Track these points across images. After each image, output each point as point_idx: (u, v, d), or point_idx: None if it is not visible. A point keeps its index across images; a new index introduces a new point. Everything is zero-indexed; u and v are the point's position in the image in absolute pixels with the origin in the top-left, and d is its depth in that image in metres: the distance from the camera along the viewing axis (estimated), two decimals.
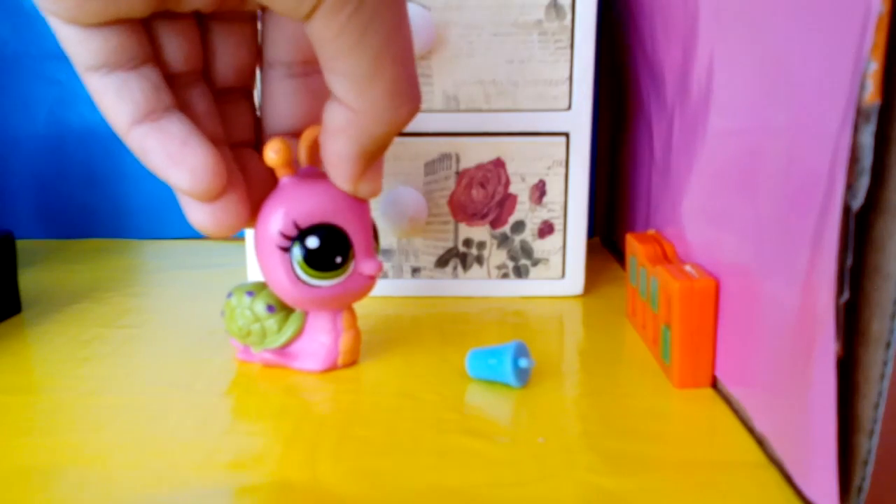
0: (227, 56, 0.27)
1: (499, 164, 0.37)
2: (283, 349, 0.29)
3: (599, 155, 0.51)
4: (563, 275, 0.38)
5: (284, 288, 0.27)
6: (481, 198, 0.37)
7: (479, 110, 0.37)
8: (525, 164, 0.37)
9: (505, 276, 0.38)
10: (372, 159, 0.25)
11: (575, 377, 0.29)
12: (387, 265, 0.38)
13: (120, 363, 0.30)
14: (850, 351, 0.18)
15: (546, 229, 0.37)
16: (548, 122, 0.37)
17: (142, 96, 0.24)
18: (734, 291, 0.25)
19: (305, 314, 0.29)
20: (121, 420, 0.26)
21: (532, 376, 0.29)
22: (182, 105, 0.26)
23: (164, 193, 0.52)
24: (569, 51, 0.36)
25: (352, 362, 0.30)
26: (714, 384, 0.28)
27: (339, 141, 0.24)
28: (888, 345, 0.17)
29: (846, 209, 0.18)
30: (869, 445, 0.18)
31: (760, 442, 0.24)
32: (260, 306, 0.29)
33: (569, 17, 0.36)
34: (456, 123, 0.37)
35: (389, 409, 0.26)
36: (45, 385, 0.29)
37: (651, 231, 0.35)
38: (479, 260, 0.38)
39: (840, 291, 0.18)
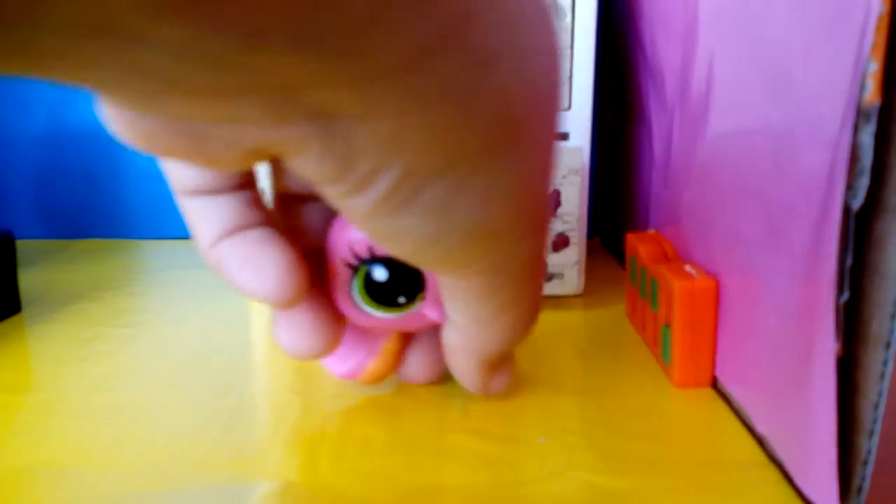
0: None
1: None
2: None
3: (599, 155, 0.51)
4: (578, 287, 0.37)
5: (335, 299, 0.24)
6: None
7: None
8: None
9: None
10: (498, 366, 0.24)
11: (575, 377, 0.29)
12: None
13: (120, 362, 0.30)
14: (850, 351, 0.18)
15: (560, 242, 0.35)
16: None
17: (229, 214, 0.23)
18: (734, 291, 0.25)
19: None
20: (121, 419, 0.26)
21: (532, 376, 0.29)
22: (292, 218, 0.24)
23: (165, 193, 0.52)
24: (569, 51, 0.36)
25: (375, 383, 0.27)
26: (714, 384, 0.28)
27: (459, 359, 0.23)
28: (888, 345, 0.17)
29: (846, 209, 0.18)
30: (869, 445, 0.18)
31: (760, 442, 0.24)
32: None
33: (569, 17, 0.36)
34: None
35: (389, 409, 0.26)
36: (45, 384, 0.29)
37: (651, 231, 0.35)
38: None
39: (840, 291, 0.18)
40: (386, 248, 0.18)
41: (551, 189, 0.21)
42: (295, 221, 0.25)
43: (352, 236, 0.23)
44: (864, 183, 0.17)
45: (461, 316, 0.21)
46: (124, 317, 0.36)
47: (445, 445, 0.24)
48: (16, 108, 0.52)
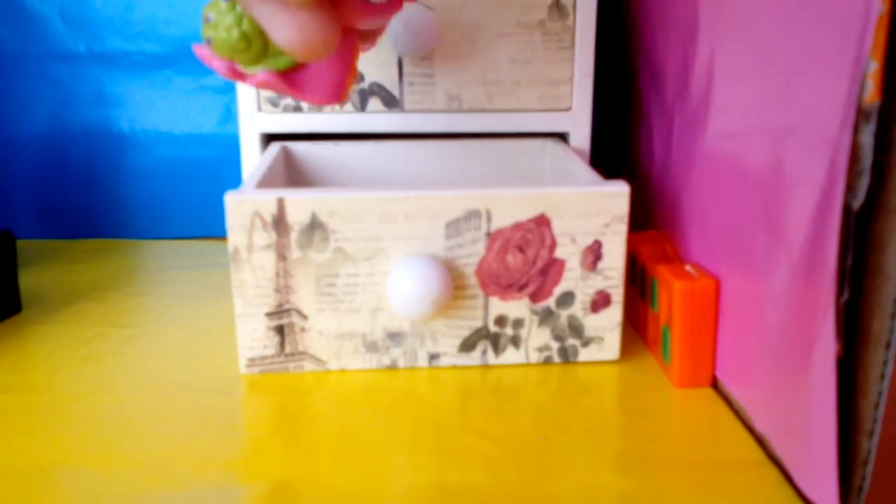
0: None
1: (542, 221, 0.28)
2: (288, 74, 0.24)
3: (599, 155, 0.51)
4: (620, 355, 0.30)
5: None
6: (519, 264, 0.29)
7: (482, 110, 0.37)
8: (576, 222, 0.29)
9: (548, 359, 0.30)
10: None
11: (575, 377, 0.29)
12: (397, 352, 0.29)
13: (120, 362, 0.30)
14: (850, 351, 0.18)
15: (601, 301, 0.30)
16: (548, 123, 0.37)
17: None
18: (734, 291, 0.25)
19: None
20: (121, 419, 0.26)
21: (532, 376, 0.29)
22: None
23: (165, 193, 0.52)
24: (570, 51, 0.36)
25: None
26: (714, 384, 0.28)
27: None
28: (888, 345, 0.17)
29: (846, 209, 0.18)
30: (869, 445, 0.18)
31: (760, 441, 0.24)
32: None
33: (571, 16, 0.36)
34: (458, 124, 0.37)
35: (390, 409, 0.26)
36: (45, 384, 0.29)
37: (651, 231, 0.35)
38: (516, 341, 0.30)
39: (840, 291, 0.18)
40: None
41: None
42: None
43: None
44: (864, 183, 0.17)
45: None
46: (124, 317, 0.36)
47: (445, 445, 0.24)
48: (16, 108, 0.52)
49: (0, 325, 0.35)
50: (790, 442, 0.21)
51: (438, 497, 0.21)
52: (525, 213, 0.28)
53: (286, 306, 0.28)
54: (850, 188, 0.17)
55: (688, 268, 0.28)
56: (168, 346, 0.32)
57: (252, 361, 0.29)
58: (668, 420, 0.25)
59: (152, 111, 0.49)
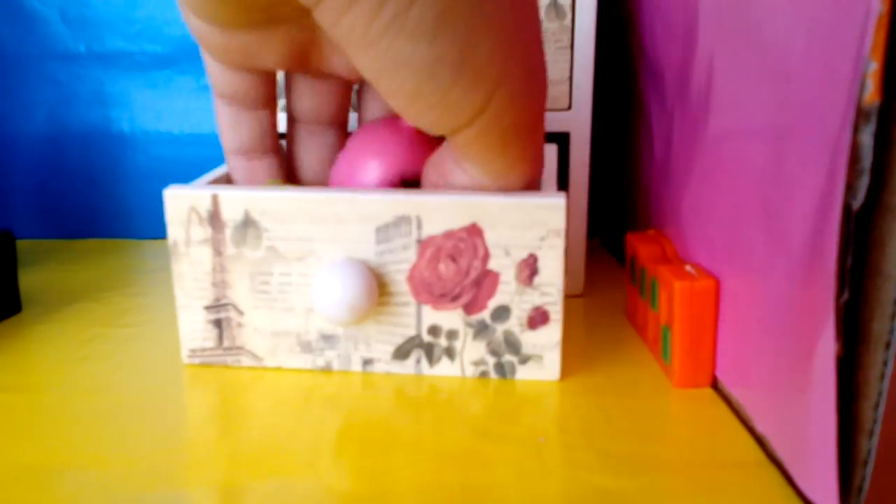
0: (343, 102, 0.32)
1: (474, 231, 0.27)
2: None
3: (599, 155, 0.51)
4: (560, 375, 0.29)
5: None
6: (452, 274, 0.28)
7: None
8: (509, 233, 0.27)
9: (484, 374, 0.29)
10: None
11: (575, 377, 0.29)
12: (331, 354, 0.29)
13: (120, 362, 0.30)
14: (850, 351, 0.18)
15: (538, 318, 0.28)
16: (548, 122, 0.37)
17: (248, 136, 0.29)
18: (734, 291, 0.25)
19: None
20: (121, 419, 0.26)
21: (531, 376, 0.29)
22: (299, 144, 0.32)
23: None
24: (569, 51, 0.36)
25: None
26: (714, 384, 0.28)
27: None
28: (888, 345, 0.17)
29: (846, 209, 0.18)
30: (869, 445, 0.18)
31: (760, 442, 0.24)
32: None
33: (569, 16, 0.36)
34: None
35: (390, 409, 0.26)
36: (45, 384, 0.29)
37: (651, 231, 0.35)
38: (450, 353, 0.29)
39: (840, 291, 0.18)
40: (392, 95, 0.22)
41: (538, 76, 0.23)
42: (300, 149, 0.32)
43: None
44: (864, 183, 0.17)
45: (474, 174, 0.26)
46: (124, 317, 0.36)
47: (445, 445, 0.24)
48: (16, 108, 0.52)
49: (0, 325, 0.35)
50: (790, 442, 0.21)
51: (439, 497, 0.21)
52: (456, 222, 0.27)
53: (223, 301, 0.29)
54: (850, 188, 0.17)
55: (688, 268, 0.28)
56: (168, 346, 0.32)
57: (193, 352, 0.30)
58: (667, 420, 0.25)
59: (152, 111, 0.49)
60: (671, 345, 0.28)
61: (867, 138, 0.17)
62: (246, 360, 0.30)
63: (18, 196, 0.53)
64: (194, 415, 0.26)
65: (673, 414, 0.26)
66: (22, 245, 0.48)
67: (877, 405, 0.18)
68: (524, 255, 0.27)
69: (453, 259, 0.28)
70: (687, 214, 0.30)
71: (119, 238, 0.53)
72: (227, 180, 0.32)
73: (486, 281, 0.28)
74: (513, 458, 0.23)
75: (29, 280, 0.41)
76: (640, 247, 0.32)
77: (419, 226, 0.27)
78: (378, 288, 0.28)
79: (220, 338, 0.30)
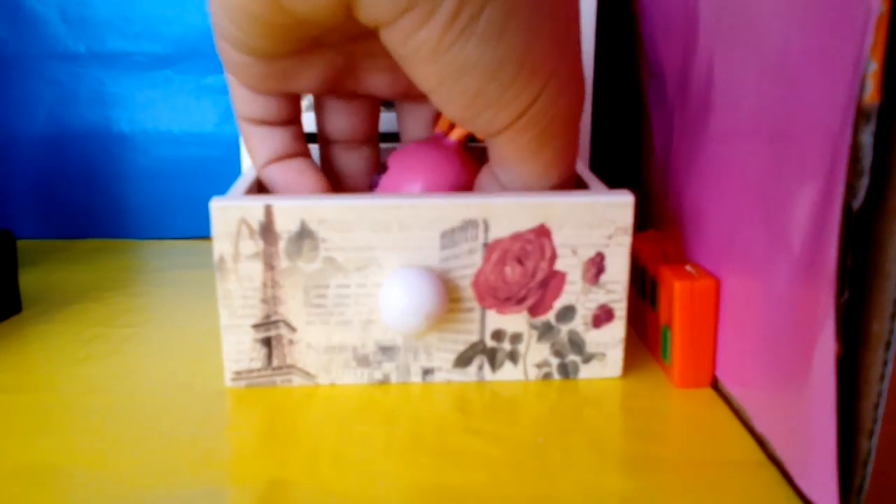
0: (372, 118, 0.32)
1: (542, 232, 0.27)
2: None
3: (599, 155, 0.51)
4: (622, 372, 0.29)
5: None
6: (518, 277, 0.28)
7: None
8: (577, 233, 0.27)
9: (547, 375, 0.29)
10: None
11: (575, 377, 0.29)
12: (389, 366, 0.28)
13: (120, 362, 0.30)
14: (850, 351, 0.18)
15: (603, 316, 0.28)
16: None
17: (281, 144, 0.29)
18: (734, 291, 0.25)
19: None
20: (121, 419, 0.26)
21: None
22: (337, 161, 0.32)
23: (165, 193, 0.52)
24: None
25: None
26: (714, 384, 0.28)
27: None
28: (888, 345, 0.17)
29: (846, 209, 0.18)
30: (869, 445, 0.18)
31: (760, 442, 0.24)
32: None
33: None
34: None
35: (389, 409, 0.26)
36: (45, 384, 0.29)
37: (651, 231, 0.35)
38: (513, 356, 0.29)
39: (840, 291, 0.18)
40: (451, 101, 0.22)
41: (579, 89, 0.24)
42: (339, 165, 0.32)
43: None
44: (864, 183, 0.17)
45: (514, 175, 0.26)
46: (124, 317, 0.36)
47: (445, 445, 0.24)
48: (16, 108, 0.52)
49: (0, 325, 0.35)
50: (790, 442, 0.21)
51: (439, 497, 0.21)
52: (524, 223, 0.27)
53: (274, 318, 0.27)
54: (850, 188, 0.17)
55: (688, 268, 0.28)
56: (168, 346, 0.32)
57: (238, 374, 0.28)
58: (667, 420, 0.25)
59: (152, 111, 0.49)
60: (671, 345, 0.28)
61: (867, 138, 0.17)
62: (297, 380, 0.28)
63: (18, 196, 0.53)
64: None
65: (673, 414, 0.26)
66: (22, 245, 0.48)
67: (877, 405, 0.18)
68: (591, 253, 0.27)
69: (520, 261, 0.27)
70: (687, 214, 0.30)
71: (119, 238, 0.53)
72: (260, 191, 0.30)
73: (552, 282, 0.28)
74: (513, 457, 0.23)
75: (29, 280, 0.41)
76: (640, 247, 0.32)
77: (486, 229, 0.27)
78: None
79: (270, 357, 0.28)
